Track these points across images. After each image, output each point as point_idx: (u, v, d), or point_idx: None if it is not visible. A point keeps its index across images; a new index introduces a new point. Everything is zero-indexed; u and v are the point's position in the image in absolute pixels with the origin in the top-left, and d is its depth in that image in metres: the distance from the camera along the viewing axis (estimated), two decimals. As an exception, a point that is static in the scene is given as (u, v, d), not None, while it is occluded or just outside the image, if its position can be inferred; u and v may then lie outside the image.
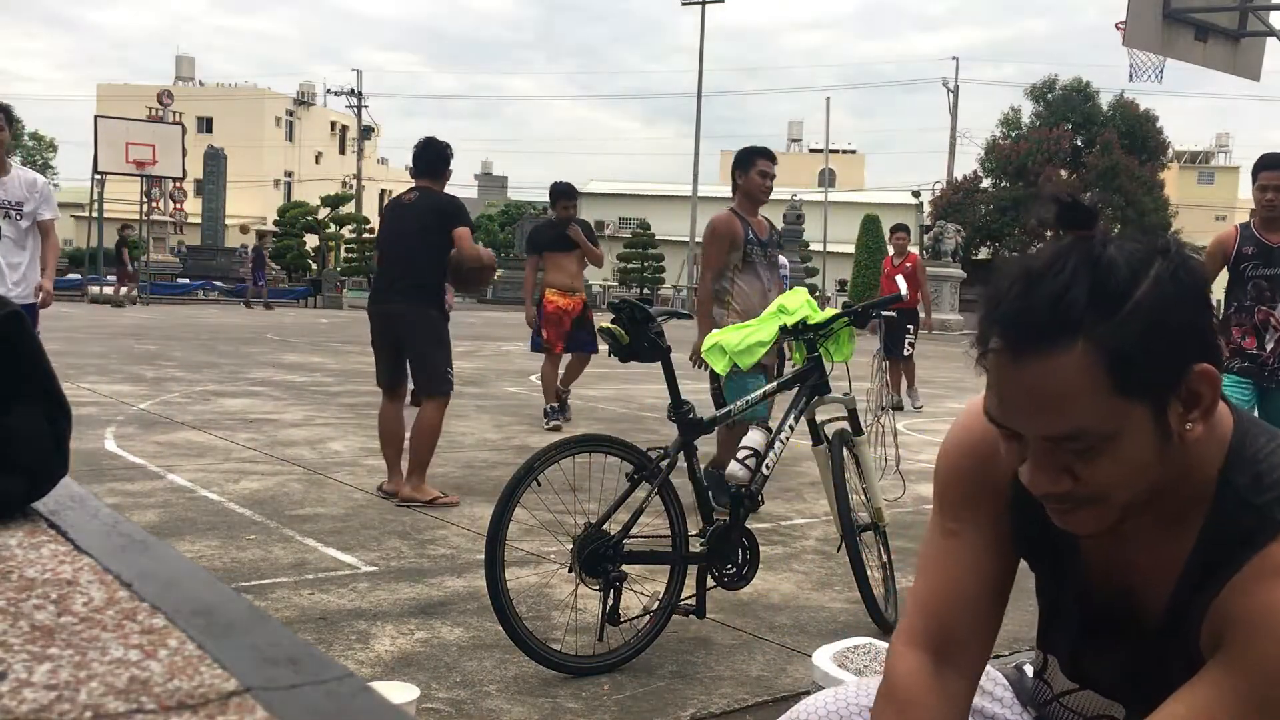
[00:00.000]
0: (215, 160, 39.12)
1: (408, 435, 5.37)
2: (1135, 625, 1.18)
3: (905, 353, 10.56)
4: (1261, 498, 1.06)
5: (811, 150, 72.45)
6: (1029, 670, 1.42)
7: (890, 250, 11.35)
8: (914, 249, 12.16)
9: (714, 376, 4.98)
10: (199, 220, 39.74)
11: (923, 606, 1.25)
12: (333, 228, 41.11)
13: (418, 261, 5.33)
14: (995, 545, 1.23)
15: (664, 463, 3.26)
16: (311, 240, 40.66)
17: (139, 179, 29.83)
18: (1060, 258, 1.00)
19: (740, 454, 3.74)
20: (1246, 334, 4.70)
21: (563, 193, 8.21)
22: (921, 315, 10.81)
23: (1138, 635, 1.18)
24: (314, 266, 39.56)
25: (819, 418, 3.88)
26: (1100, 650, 1.23)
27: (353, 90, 49.83)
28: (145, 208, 31.17)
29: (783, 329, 3.94)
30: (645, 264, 43.22)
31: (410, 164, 5.62)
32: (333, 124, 64.46)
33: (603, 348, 3.59)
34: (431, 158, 5.49)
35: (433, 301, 5.34)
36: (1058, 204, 1.06)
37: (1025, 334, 0.99)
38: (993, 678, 1.43)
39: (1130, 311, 0.97)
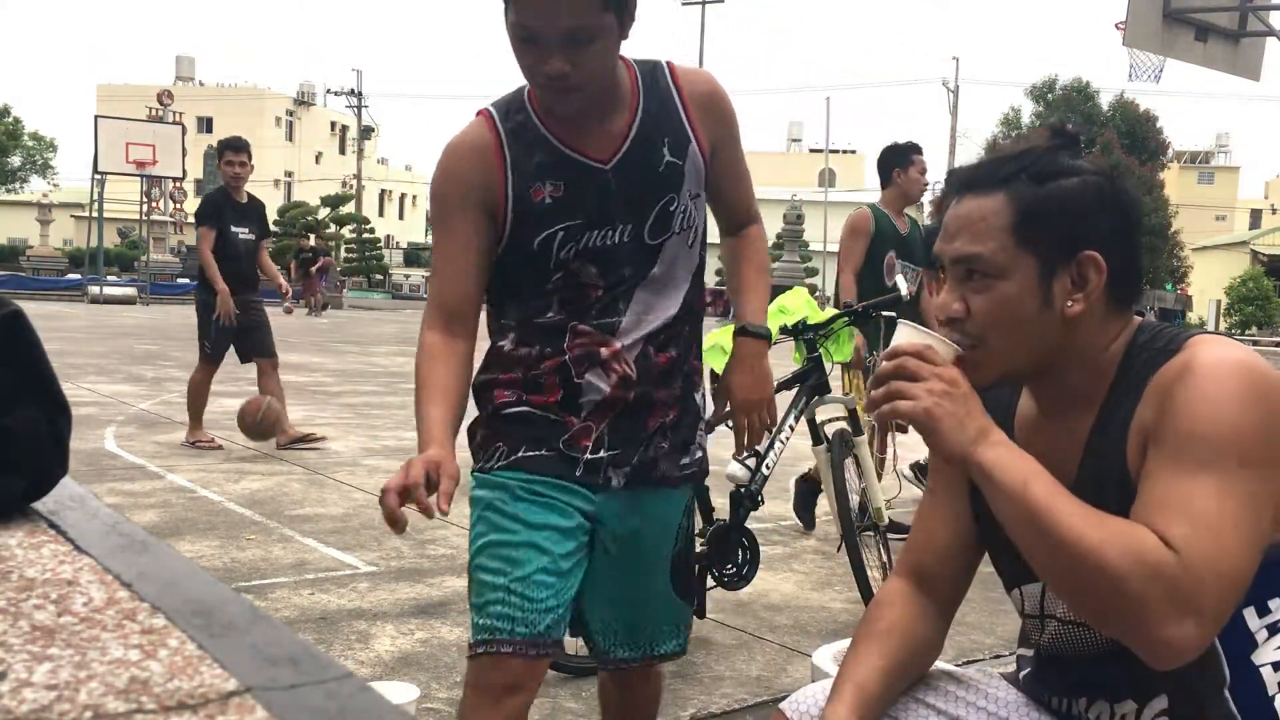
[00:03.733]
0: (215, 160, 39.09)
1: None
2: None
3: None
4: (1159, 343, 1.21)
5: (811, 150, 72.43)
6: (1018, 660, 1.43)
7: None
8: None
9: (714, 376, 4.96)
10: (199, 220, 39.68)
11: (908, 547, 1.47)
12: (333, 228, 41.10)
13: None
14: (961, 501, 1.41)
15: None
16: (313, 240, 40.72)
17: (139, 179, 29.80)
18: (1020, 148, 1.27)
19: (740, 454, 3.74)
20: None
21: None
22: None
23: None
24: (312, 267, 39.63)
25: (819, 418, 3.88)
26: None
27: (353, 90, 49.85)
28: (145, 208, 31.15)
29: (783, 329, 3.94)
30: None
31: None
32: (333, 124, 64.49)
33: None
34: None
35: None
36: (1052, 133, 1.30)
37: (967, 183, 1.27)
38: (994, 679, 1.43)
39: (1050, 189, 1.21)
